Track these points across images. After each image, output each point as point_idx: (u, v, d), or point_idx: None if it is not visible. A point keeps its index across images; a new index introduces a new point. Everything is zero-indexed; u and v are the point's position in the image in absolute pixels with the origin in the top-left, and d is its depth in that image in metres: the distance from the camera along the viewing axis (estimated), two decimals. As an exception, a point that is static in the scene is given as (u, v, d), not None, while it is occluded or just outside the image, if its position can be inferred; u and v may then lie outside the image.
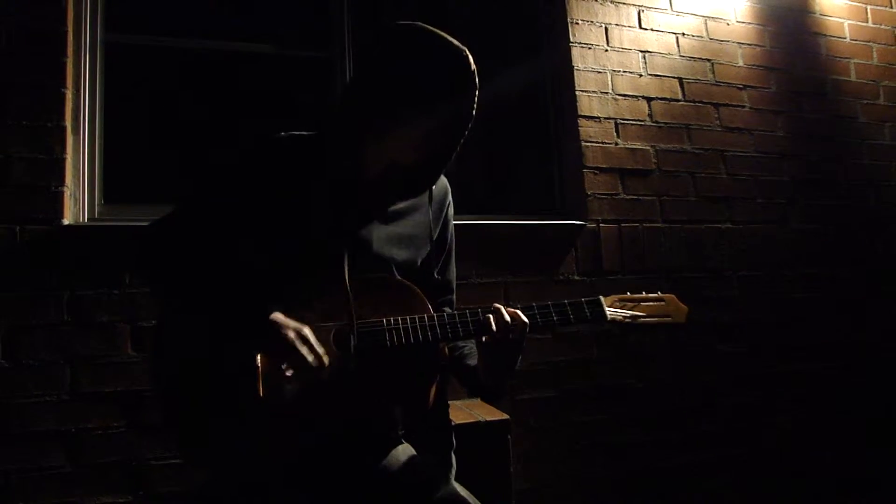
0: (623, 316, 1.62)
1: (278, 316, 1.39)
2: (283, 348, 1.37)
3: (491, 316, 1.49)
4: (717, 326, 3.31)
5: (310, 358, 1.38)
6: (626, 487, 3.06)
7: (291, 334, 1.37)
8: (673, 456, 3.17)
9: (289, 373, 1.39)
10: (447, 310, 1.76)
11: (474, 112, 1.53)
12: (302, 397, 1.41)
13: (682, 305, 1.66)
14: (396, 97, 1.47)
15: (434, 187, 1.71)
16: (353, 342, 1.45)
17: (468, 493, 1.49)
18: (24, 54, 2.47)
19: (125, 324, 2.46)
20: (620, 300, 1.64)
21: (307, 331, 1.39)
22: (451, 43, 1.47)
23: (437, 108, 1.48)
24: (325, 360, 1.40)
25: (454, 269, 1.83)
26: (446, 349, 1.64)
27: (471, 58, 1.47)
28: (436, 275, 1.75)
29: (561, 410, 3.00)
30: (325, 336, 1.45)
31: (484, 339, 1.52)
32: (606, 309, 1.61)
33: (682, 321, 1.65)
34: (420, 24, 1.48)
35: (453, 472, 1.61)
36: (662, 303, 1.66)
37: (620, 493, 3.05)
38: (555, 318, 1.58)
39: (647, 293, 1.67)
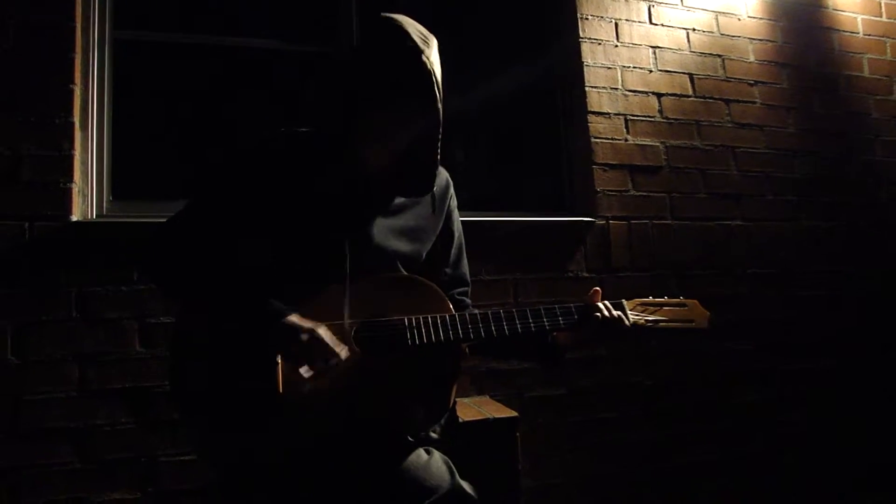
0: (645, 320, 1.64)
1: (293, 318, 1.40)
2: (298, 352, 1.38)
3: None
4: (727, 324, 3.28)
5: (331, 361, 1.39)
6: (634, 485, 3.05)
7: (305, 337, 1.38)
8: (682, 454, 3.16)
9: (307, 375, 1.39)
10: (466, 300, 1.80)
11: (440, 107, 1.55)
12: (321, 396, 1.42)
13: (704, 310, 1.68)
14: (366, 92, 1.52)
15: None
16: (352, 340, 1.46)
17: (474, 489, 1.49)
18: (32, 50, 2.47)
19: (133, 320, 2.46)
20: (642, 304, 1.66)
21: (322, 331, 1.40)
22: (407, 46, 1.48)
23: (399, 104, 1.52)
24: (343, 355, 1.41)
25: (466, 263, 1.84)
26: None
27: (426, 56, 1.48)
28: (449, 268, 1.77)
29: (570, 408, 2.99)
30: (343, 335, 1.46)
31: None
32: (629, 312, 1.63)
33: (704, 326, 1.66)
34: (391, 19, 1.52)
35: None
36: (685, 308, 1.68)
37: (629, 490, 3.04)
38: (576, 318, 1.62)
39: (668, 298, 1.68)
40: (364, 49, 1.57)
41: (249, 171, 1.57)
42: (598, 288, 1.66)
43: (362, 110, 1.54)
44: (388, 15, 1.53)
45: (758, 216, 3.49)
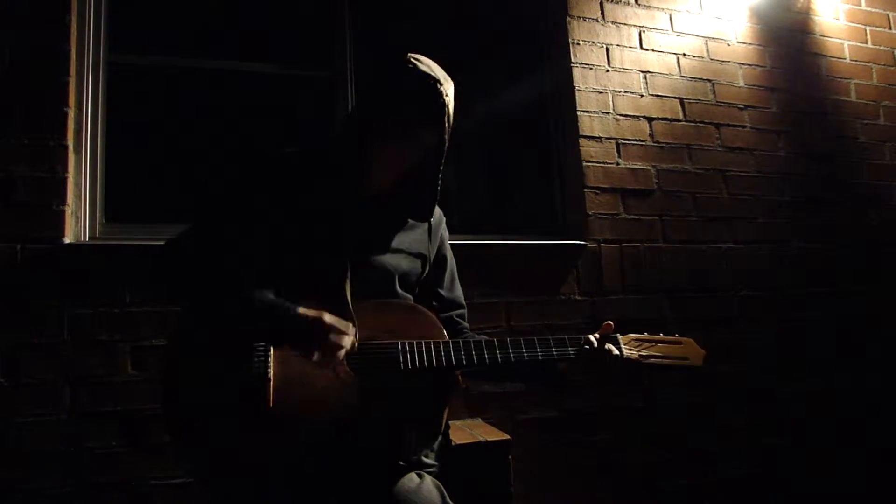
0: (639, 355, 1.62)
1: (301, 309, 1.43)
2: (311, 338, 1.41)
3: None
4: (718, 346, 3.28)
5: (341, 343, 1.42)
6: (627, 508, 3.04)
7: (316, 324, 1.41)
8: (674, 476, 3.15)
9: (315, 357, 1.40)
10: (464, 322, 1.84)
11: (447, 138, 1.63)
12: (312, 417, 1.42)
13: (700, 349, 1.66)
14: (381, 121, 1.59)
15: None
16: (346, 364, 1.47)
17: None
18: (26, 73, 2.48)
19: (125, 343, 2.45)
20: (637, 339, 1.65)
21: (328, 317, 1.42)
22: (429, 76, 1.57)
23: (413, 132, 1.59)
24: (350, 340, 1.43)
25: (460, 289, 1.89)
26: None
27: (444, 90, 1.59)
28: (444, 291, 1.82)
29: (563, 430, 2.99)
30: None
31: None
32: (623, 347, 1.63)
33: (698, 364, 1.64)
34: (412, 56, 1.61)
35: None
36: (681, 345, 1.66)
37: (622, 514, 3.03)
38: (571, 352, 1.62)
39: (664, 335, 1.67)
40: (386, 79, 1.63)
41: (259, 186, 1.61)
42: (610, 322, 1.65)
43: (376, 131, 1.60)
44: (407, 54, 1.61)
45: (748, 239, 3.51)
